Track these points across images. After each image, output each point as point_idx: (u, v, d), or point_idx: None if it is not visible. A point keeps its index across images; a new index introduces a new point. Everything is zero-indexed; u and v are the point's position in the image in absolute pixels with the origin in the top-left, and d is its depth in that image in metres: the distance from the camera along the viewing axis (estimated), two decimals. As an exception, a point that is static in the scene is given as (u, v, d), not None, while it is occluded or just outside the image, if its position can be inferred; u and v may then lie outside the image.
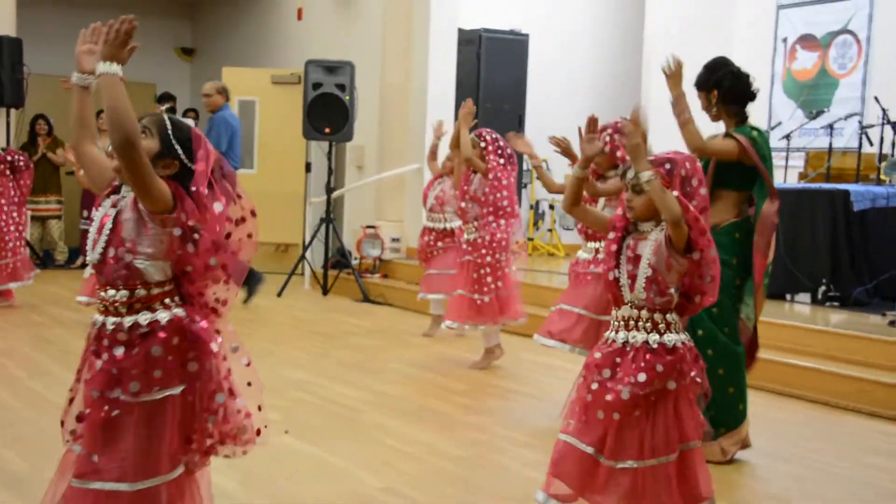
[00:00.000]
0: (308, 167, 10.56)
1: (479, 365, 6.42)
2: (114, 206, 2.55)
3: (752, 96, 4.49)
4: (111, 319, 2.53)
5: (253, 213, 2.64)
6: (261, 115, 10.92)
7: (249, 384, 2.70)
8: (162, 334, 2.51)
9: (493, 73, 10.46)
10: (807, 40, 10.55)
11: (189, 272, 2.56)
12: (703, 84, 4.50)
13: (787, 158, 9.11)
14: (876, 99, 8.48)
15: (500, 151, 6.22)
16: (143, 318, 2.51)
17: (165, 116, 2.57)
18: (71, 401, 2.68)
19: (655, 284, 3.04)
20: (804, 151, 9.28)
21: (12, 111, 10.50)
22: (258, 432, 2.70)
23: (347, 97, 9.59)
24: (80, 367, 2.64)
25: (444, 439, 4.71)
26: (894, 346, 5.84)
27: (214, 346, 2.58)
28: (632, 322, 3.10)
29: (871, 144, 8.43)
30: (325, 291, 9.56)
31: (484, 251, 6.11)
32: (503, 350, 6.48)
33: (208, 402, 2.59)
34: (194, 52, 14.54)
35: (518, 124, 10.57)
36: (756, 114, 10.75)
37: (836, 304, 7.26)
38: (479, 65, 10.40)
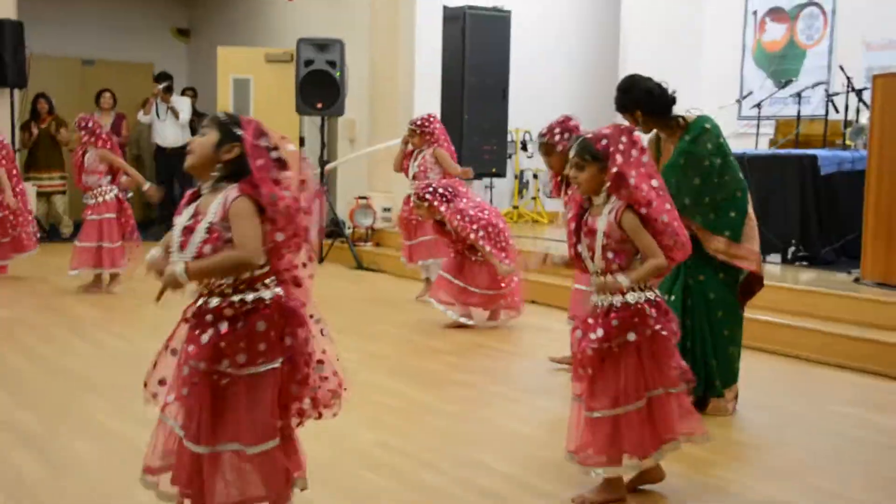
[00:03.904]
0: (302, 141, 10.71)
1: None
2: (198, 212, 2.72)
3: (673, 101, 4.43)
4: (215, 299, 2.68)
5: (304, 181, 2.74)
6: (255, 93, 11.02)
7: (324, 351, 2.82)
8: (265, 311, 2.65)
9: (477, 49, 10.55)
10: (775, 13, 10.69)
11: (276, 248, 2.68)
12: (625, 108, 4.46)
13: (758, 126, 9.31)
14: (841, 68, 8.64)
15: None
16: (249, 296, 2.67)
17: (220, 113, 2.78)
18: (154, 365, 2.83)
19: (613, 252, 3.28)
20: (774, 119, 9.45)
21: (15, 91, 10.72)
22: (340, 387, 2.83)
23: (338, 73, 9.80)
24: (169, 337, 2.80)
25: (435, 396, 4.83)
26: (860, 302, 6.04)
27: (307, 320, 2.72)
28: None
29: (837, 111, 8.62)
30: (321, 259, 9.68)
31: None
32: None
33: (305, 372, 2.71)
34: (190, 32, 14.61)
35: (502, 97, 10.78)
36: (728, 84, 11.06)
37: (805, 263, 7.44)
38: (463, 40, 10.46)
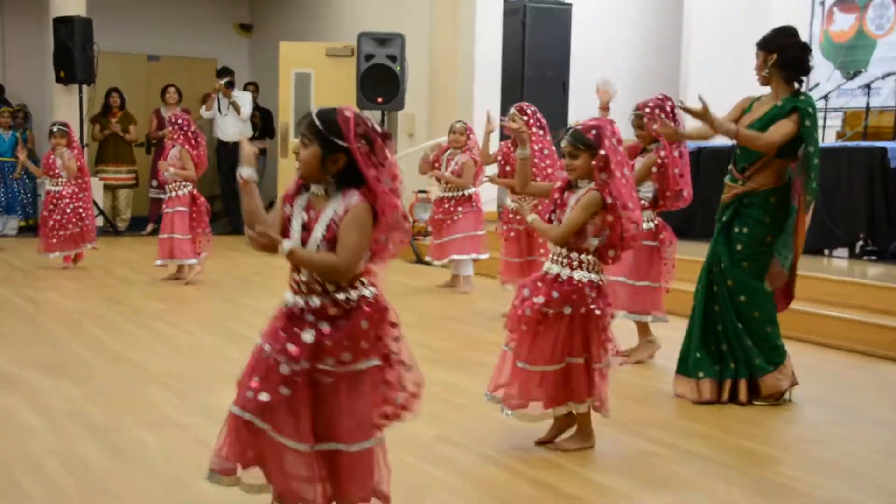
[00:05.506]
0: (362, 135, 10.86)
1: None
2: (310, 207, 2.70)
3: (807, 70, 4.50)
4: (316, 298, 2.66)
5: (395, 176, 2.71)
6: (316, 87, 11.12)
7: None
8: (368, 308, 2.67)
9: (537, 42, 10.54)
10: (844, 3, 10.55)
11: (381, 251, 2.70)
12: (767, 45, 4.49)
13: (825, 118, 9.10)
14: (913, 57, 8.61)
15: (538, 123, 6.58)
16: (353, 294, 2.67)
17: (314, 115, 2.66)
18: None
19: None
20: (842, 111, 9.35)
21: (84, 87, 11.02)
22: (419, 389, 2.86)
23: (398, 68, 9.90)
24: (265, 340, 2.73)
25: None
26: (929, 298, 5.94)
27: (398, 320, 2.74)
28: (555, 257, 3.77)
29: (908, 103, 8.60)
30: (377, 254, 9.86)
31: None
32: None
33: (395, 373, 2.74)
34: (252, 28, 14.85)
35: (562, 91, 10.77)
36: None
37: (873, 257, 7.40)
38: (524, 34, 10.48)
